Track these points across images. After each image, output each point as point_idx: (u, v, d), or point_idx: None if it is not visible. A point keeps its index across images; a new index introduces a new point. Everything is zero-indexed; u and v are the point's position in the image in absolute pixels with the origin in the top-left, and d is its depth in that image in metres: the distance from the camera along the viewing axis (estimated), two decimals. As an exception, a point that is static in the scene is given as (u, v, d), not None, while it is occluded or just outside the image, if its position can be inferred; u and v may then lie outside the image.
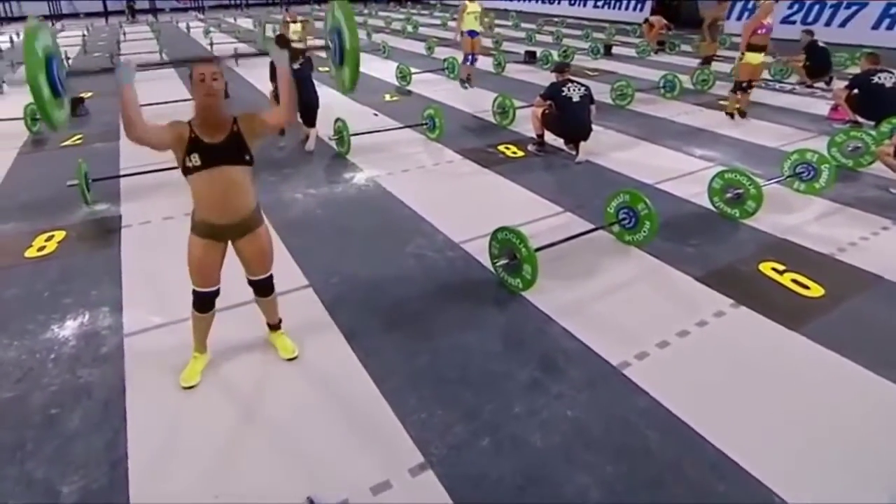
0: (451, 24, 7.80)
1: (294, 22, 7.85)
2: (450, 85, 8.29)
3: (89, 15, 21.68)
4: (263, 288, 2.27)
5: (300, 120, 5.43)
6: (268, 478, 1.82)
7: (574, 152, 4.93)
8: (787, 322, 2.59)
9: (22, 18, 20.93)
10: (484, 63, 9.72)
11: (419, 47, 11.99)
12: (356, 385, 2.23)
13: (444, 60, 8.98)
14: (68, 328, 2.62)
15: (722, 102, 6.59)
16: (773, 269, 3.07)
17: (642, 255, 3.26)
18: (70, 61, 10.90)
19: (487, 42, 11.85)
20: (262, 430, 2.02)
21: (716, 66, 8.89)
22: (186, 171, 1.94)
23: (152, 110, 6.69)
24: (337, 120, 5.19)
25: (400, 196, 4.21)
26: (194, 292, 2.14)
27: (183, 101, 7.19)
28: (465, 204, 4.07)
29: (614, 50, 11.13)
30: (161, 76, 9.33)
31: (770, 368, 2.30)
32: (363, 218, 3.87)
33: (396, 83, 8.38)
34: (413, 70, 8.52)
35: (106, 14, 22.68)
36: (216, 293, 2.17)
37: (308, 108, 5.40)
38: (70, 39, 14.80)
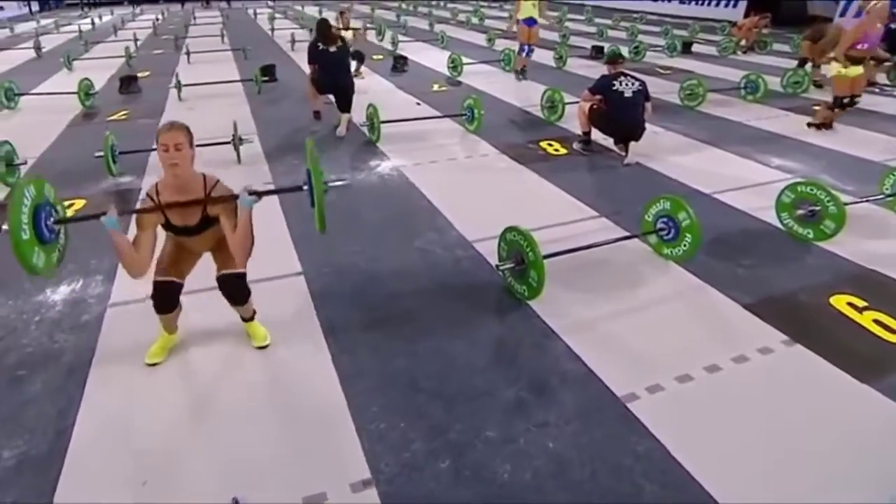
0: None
1: (346, 29, 7.98)
2: (504, 77, 8.15)
3: (168, 0, 23.76)
4: (232, 291, 2.20)
5: (335, 104, 5.53)
6: (202, 470, 1.77)
7: (623, 153, 4.61)
8: (857, 371, 2.18)
9: (106, 4, 23.40)
10: (544, 56, 9.52)
11: (480, 38, 11.98)
12: (320, 383, 2.15)
13: (502, 51, 8.85)
14: (60, 293, 2.77)
15: (815, 108, 5.91)
16: (850, 305, 2.64)
17: (681, 272, 2.94)
18: (139, 43, 11.94)
19: (553, 36, 11.62)
20: (210, 420, 1.98)
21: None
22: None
23: (209, 89, 7.19)
24: (368, 106, 5.22)
25: (421, 188, 4.13)
26: (154, 285, 2.11)
27: (235, 82, 7.64)
28: (489, 201, 3.91)
29: (695, 48, 10.48)
30: (218, 59, 10.00)
31: (824, 427, 1.94)
32: (377, 208, 3.83)
33: (447, 73, 8.38)
34: (466, 60, 8.48)
35: (182, 0, 24.78)
36: (179, 288, 2.17)
37: (341, 92, 5.49)
38: (143, 23, 16.31)
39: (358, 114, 5.52)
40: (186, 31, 14.39)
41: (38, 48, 10.71)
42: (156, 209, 1.99)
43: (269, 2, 23.31)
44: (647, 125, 4.61)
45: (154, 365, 2.23)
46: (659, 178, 4.26)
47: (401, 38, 11.53)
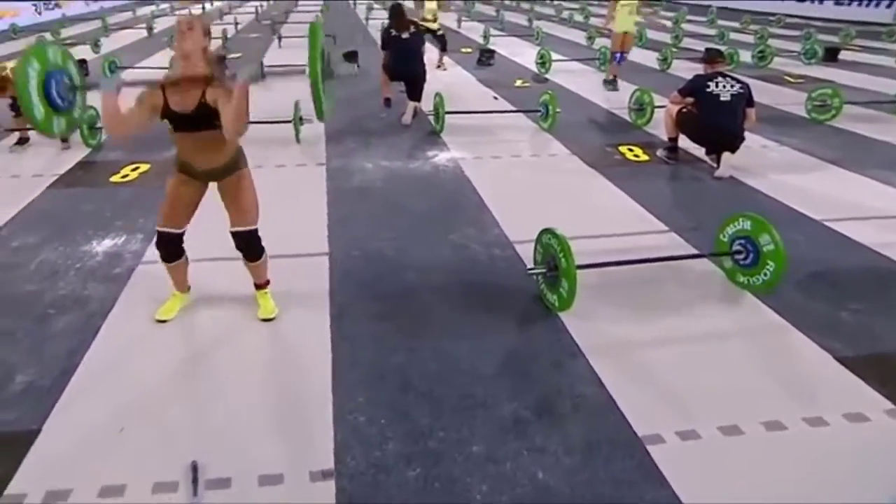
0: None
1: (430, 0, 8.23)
2: (595, 77, 7.88)
3: (277, -11, 26.04)
4: (245, 246, 2.34)
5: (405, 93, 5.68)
6: (176, 428, 1.87)
7: (715, 165, 4.21)
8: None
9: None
10: (647, 57, 9.07)
11: (580, 36, 11.74)
12: (313, 365, 2.18)
13: (598, 50, 8.59)
14: (103, 246, 3.12)
15: None
16: None
17: (757, 305, 2.59)
18: (239, 26, 13.24)
19: (663, 37, 11.05)
20: (198, 382, 2.10)
21: None
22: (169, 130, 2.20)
23: (290, 71, 7.74)
24: (436, 95, 5.29)
25: (475, 182, 4.10)
26: (157, 234, 2.30)
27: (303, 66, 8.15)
28: (545, 203, 3.76)
29: (843, 55, 9.36)
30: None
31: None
32: (423, 197, 3.85)
33: (535, 70, 8.29)
34: (556, 57, 8.35)
35: (290, -11, 27.06)
36: (179, 237, 2.32)
37: (411, 80, 5.62)
38: (248, 9, 18.04)
39: (428, 103, 5.62)
40: (286, 18, 15.68)
41: (149, 28, 12.27)
42: (156, 85, 2.13)
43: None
44: (753, 136, 4.20)
45: (163, 322, 2.41)
46: (755, 196, 3.83)
47: (494, 32, 11.62)
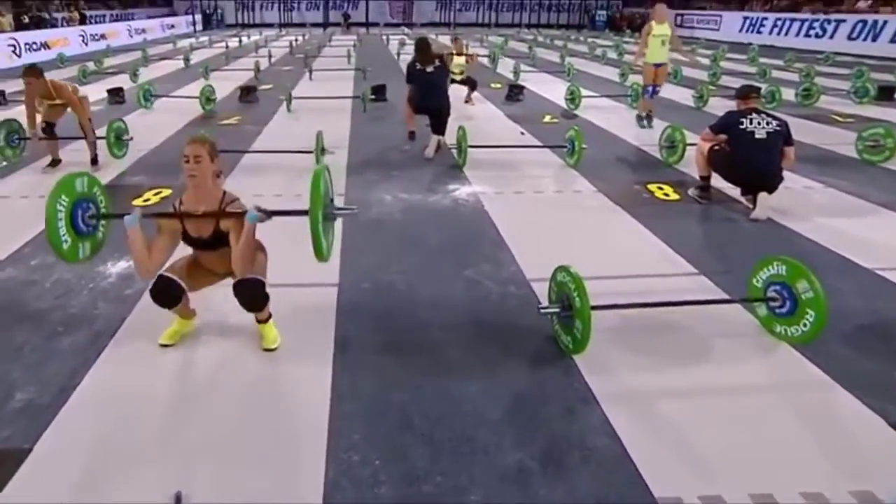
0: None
1: (460, 55, 8.48)
2: (626, 114, 7.94)
3: (313, 25, 27.63)
4: (248, 298, 2.34)
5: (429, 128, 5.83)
6: (166, 454, 1.89)
7: (751, 206, 4.12)
8: None
9: (261, 25, 27.90)
10: (682, 94, 9.11)
11: (613, 73, 11.93)
12: (311, 397, 2.18)
13: (630, 86, 8.69)
14: (118, 267, 3.23)
15: None
16: None
17: (797, 358, 2.47)
18: (273, 59, 13.97)
19: (701, 75, 11.10)
20: (194, 408, 2.12)
21: None
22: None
23: (319, 103, 8.11)
24: (458, 129, 5.41)
25: (494, 217, 4.12)
26: (158, 278, 2.30)
27: (345, 99, 8.51)
28: (566, 240, 3.74)
29: (899, 94, 9.18)
30: (339, 77, 11.26)
31: None
32: (439, 231, 3.89)
33: (564, 105, 8.43)
34: (586, 93, 8.47)
35: (325, 24, 28.63)
36: (180, 291, 2.33)
37: (436, 114, 5.78)
38: (284, 43, 19.04)
39: (453, 137, 5.74)
40: (319, 52, 16.50)
41: (186, 59, 13.10)
42: (173, 216, 2.29)
43: (407, 30, 25.85)
44: (795, 177, 4.12)
45: (166, 346, 2.47)
46: (796, 240, 3.71)
47: (525, 68, 11.92)
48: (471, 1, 32.04)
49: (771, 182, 4.01)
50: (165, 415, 2.08)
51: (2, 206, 4.33)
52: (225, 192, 2.34)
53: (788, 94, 8.75)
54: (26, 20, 16.28)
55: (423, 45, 5.86)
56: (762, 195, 4.01)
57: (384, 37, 21.98)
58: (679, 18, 26.53)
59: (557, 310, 2.47)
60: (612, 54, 15.62)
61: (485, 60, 13.98)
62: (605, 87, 10.21)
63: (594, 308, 2.32)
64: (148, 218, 2.32)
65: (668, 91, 9.60)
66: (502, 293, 3.04)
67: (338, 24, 28.26)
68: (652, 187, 4.79)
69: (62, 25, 17.86)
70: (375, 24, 28.56)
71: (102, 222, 2.45)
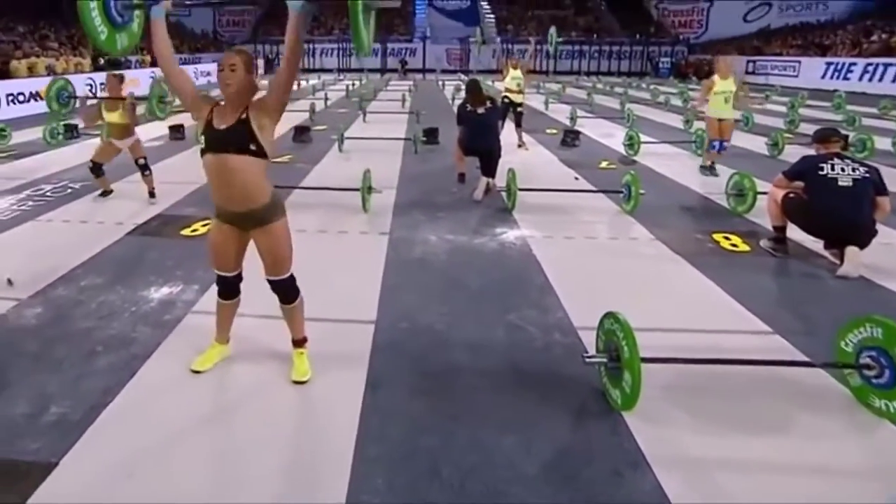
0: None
1: (515, 68, 8.72)
2: (689, 161, 7.82)
3: (371, 70, 29.27)
4: (280, 292, 2.49)
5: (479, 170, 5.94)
6: (182, 481, 1.93)
7: (837, 261, 3.87)
8: None
9: (320, 70, 29.87)
10: (754, 142, 8.89)
11: (676, 120, 11.86)
12: (336, 436, 2.17)
13: (695, 133, 8.59)
14: (160, 293, 3.42)
15: None
16: None
17: (897, 438, 2.23)
18: (329, 102, 14.84)
19: (777, 122, 10.84)
20: (218, 436, 2.18)
21: None
22: (201, 152, 2.31)
23: (371, 144, 8.49)
24: (508, 171, 5.47)
25: (542, 261, 4.08)
26: (216, 276, 2.53)
27: (397, 140, 8.87)
28: (619, 288, 3.63)
29: None
30: (392, 120, 11.79)
31: None
32: (484, 274, 3.88)
33: (622, 151, 8.41)
34: (646, 139, 8.44)
35: (382, 70, 30.31)
36: (233, 280, 2.52)
37: (486, 156, 5.89)
38: (339, 87, 20.22)
39: (503, 180, 5.82)
40: (375, 96, 17.39)
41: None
42: (212, 100, 2.36)
43: (462, 75, 26.95)
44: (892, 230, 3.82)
45: (197, 372, 2.55)
46: (894, 302, 3.42)
47: (582, 113, 12.06)
48: (528, 49, 33.10)
49: (861, 236, 3.76)
50: (187, 441, 2.13)
51: (61, 229, 4.72)
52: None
53: (883, 143, 8.36)
54: (102, 62, 18.19)
55: (473, 87, 6.06)
56: (851, 250, 3.75)
57: (440, 82, 22.96)
58: (751, 65, 26.33)
59: (604, 360, 2.37)
60: (677, 101, 15.57)
61: (540, 106, 14.30)
62: (666, 133, 10.14)
63: (646, 360, 2.22)
64: (177, 7, 2.44)
65: (738, 138, 9.39)
66: (546, 340, 2.96)
67: (395, 71, 29.85)
68: (718, 237, 4.62)
69: (135, 67, 19.77)
70: (432, 71, 29.95)
71: (136, 13, 2.60)
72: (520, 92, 8.69)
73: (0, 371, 2.56)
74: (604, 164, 7.66)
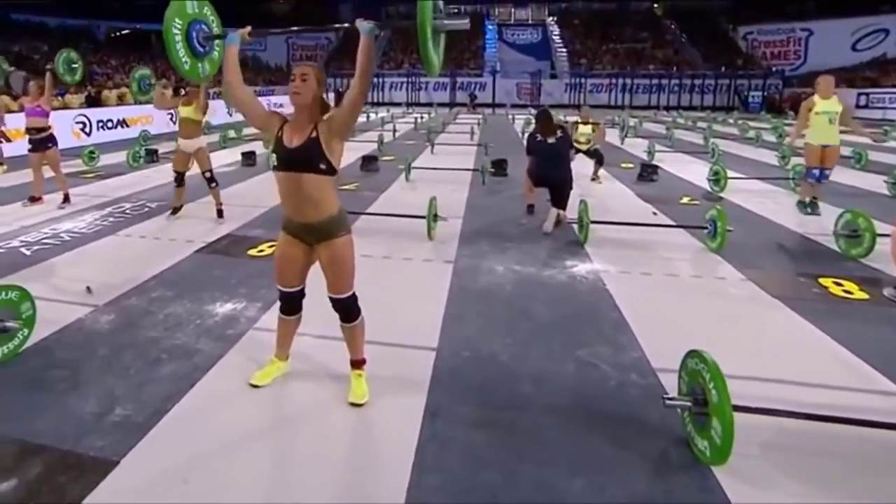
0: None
1: (586, 123, 8.73)
2: (786, 199, 7.42)
3: (440, 105, 30.27)
4: (341, 311, 2.55)
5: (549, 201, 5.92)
6: (233, 493, 2.00)
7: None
8: None
9: (389, 104, 31.20)
10: (869, 181, 8.33)
11: (769, 156, 11.39)
12: (391, 462, 2.17)
13: (792, 168, 8.19)
14: (224, 308, 3.62)
15: None
16: None
17: None
18: (397, 134, 15.42)
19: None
20: (269, 453, 2.23)
21: None
22: (273, 168, 2.47)
23: (438, 174, 8.73)
24: (580, 202, 5.41)
25: (616, 296, 3.96)
26: (278, 292, 2.64)
27: (464, 171, 9.05)
28: (705, 329, 3.45)
29: None
30: (460, 151, 12.06)
31: None
32: (552, 306, 3.81)
33: (707, 187, 8.12)
34: (734, 175, 8.11)
35: (451, 104, 31.23)
36: (296, 295, 2.62)
37: (556, 186, 5.87)
38: (408, 120, 20.99)
39: (574, 212, 5.76)
40: (443, 129, 17.89)
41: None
42: (281, 117, 2.47)
43: (533, 109, 27.31)
44: None
45: (255, 387, 2.65)
46: None
47: (661, 148, 11.83)
48: (602, 83, 33.10)
49: None
50: (242, 455, 2.20)
51: (137, 244, 5.13)
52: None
53: None
54: (183, 93, 20.03)
55: (543, 116, 6.11)
56: None
57: (510, 116, 23.35)
58: (863, 98, 24.95)
59: (688, 403, 2.23)
60: (770, 137, 14.95)
61: (615, 139, 14.17)
62: (757, 169, 9.74)
63: (740, 409, 2.06)
64: (251, 37, 2.59)
65: (849, 175, 8.89)
66: (621, 380, 2.84)
67: (464, 105, 30.68)
68: (825, 282, 4.30)
69: (214, 98, 21.53)
70: (502, 106, 30.54)
71: (217, 42, 2.79)
72: (587, 143, 8.66)
73: (75, 370, 2.80)
74: (685, 200, 7.42)
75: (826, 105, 6.26)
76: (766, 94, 30.43)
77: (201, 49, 2.80)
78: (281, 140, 2.39)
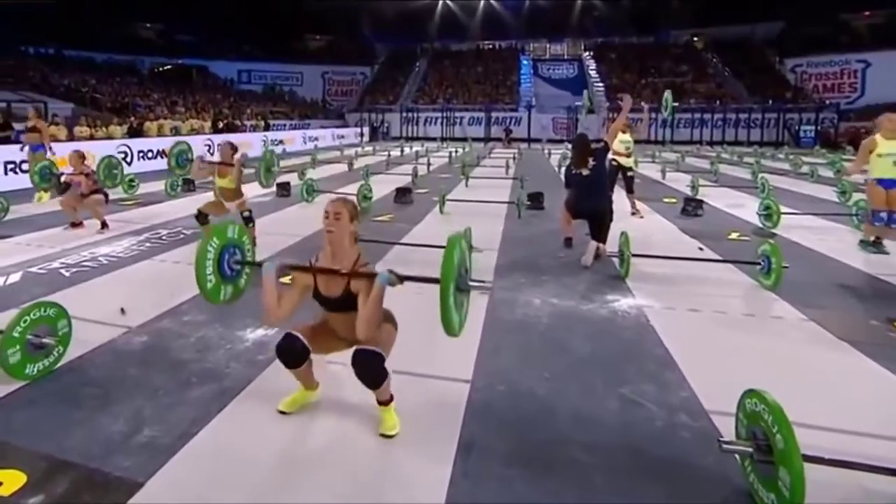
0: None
1: (625, 132, 8.62)
2: (848, 236, 7.16)
3: (475, 139, 30.75)
4: (364, 370, 2.43)
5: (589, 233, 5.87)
6: None
7: None
8: None
9: (424, 138, 31.86)
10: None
11: (826, 192, 11.09)
12: (422, 497, 2.14)
13: (854, 204, 7.94)
14: (254, 334, 3.68)
15: None
16: None
17: None
18: (431, 167, 15.68)
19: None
20: (295, 481, 2.23)
21: None
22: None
23: (473, 206, 8.84)
24: (621, 234, 5.35)
25: (662, 333, 3.85)
26: (284, 336, 2.57)
27: (500, 204, 9.11)
28: (763, 371, 3.29)
29: None
30: (495, 185, 12.17)
31: None
32: (592, 341, 3.74)
33: (757, 223, 7.92)
34: (787, 210, 7.90)
35: (486, 139, 31.68)
36: (303, 350, 2.55)
37: (594, 218, 5.79)
38: (442, 153, 21.35)
39: (614, 246, 5.69)
40: (478, 163, 18.10)
41: (350, 164, 15.43)
42: (308, 270, 2.57)
43: (569, 144, 27.44)
44: None
45: (283, 413, 2.66)
46: None
47: (705, 182, 11.68)
48: (641, 118, 32.93)
49: None
50: (268, 479, 2.21)
51: (172, 269, 5.32)
52: (360, 255, 2.57)
53: None
54: (221, 125, 21.05)
55: (578, 144, 6.07)
56: None
57: (545, 150, 23.52)
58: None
59: (749, 449, 2.11)
60: (826, 172, 14.56)
61: (656, 174, 14.05)
62: (814, 205, 9.46)
63: (810, 460, 1.93)
64: (285, 270, 2.65)
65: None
66: (670, 421, 2.73)
67: (499, 140, 31.09)
68: (901, 325, 4.09)
69: (250, 131, 22.50)
70: (537, 141, 30.80)
71: (246, 269, 2.86)
72: (629, 155, 8.61)
73: (106, 389, 2.88)
74: (734, 236, 7.25)
75: (890, 147, 6.05)
76: (819, 128, 29.82)
77: (229, 272, 2.87)
78: (318, 291, 2.56)
